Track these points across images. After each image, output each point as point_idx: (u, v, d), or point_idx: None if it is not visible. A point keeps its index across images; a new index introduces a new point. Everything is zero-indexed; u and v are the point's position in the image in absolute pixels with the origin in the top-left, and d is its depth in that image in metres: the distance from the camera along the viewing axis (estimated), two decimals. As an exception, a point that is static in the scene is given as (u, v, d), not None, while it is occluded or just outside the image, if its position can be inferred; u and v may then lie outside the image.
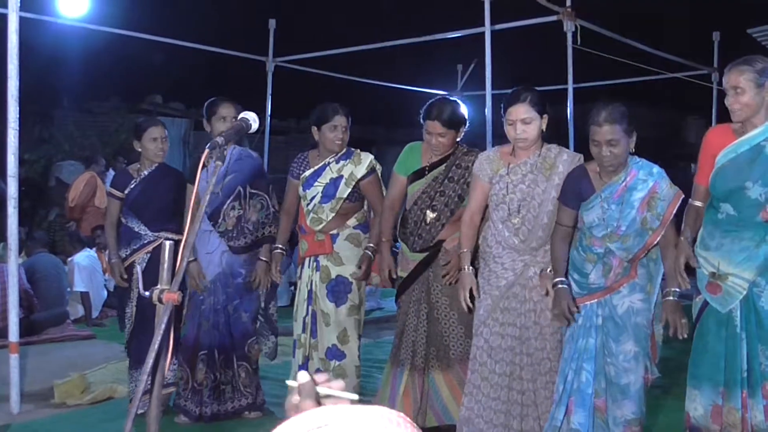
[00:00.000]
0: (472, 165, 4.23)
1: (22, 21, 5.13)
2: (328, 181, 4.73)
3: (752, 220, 3.56)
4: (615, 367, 3.75)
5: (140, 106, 15.33)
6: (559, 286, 3.78)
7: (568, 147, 6.57)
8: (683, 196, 3.75)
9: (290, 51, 9.48)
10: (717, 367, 3.63)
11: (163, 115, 14.26)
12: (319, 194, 4.74)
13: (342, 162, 4.75)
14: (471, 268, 4.06)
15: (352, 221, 4.78)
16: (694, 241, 3.76)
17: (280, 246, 4.89)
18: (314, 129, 4.78)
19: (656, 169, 3.76)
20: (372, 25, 11.50)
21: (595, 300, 3.79)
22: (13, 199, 4.96)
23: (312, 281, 4.78)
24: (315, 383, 1.25)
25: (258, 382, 4.93)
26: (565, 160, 3.98)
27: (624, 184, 3.71)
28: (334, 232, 4.75)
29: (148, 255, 4.91)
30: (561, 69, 7.85)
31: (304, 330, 4.79)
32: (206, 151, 2.59)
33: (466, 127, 4.46)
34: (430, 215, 4.44)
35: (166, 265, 2.21)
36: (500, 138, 4.16)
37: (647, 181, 3.71)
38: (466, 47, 9.97)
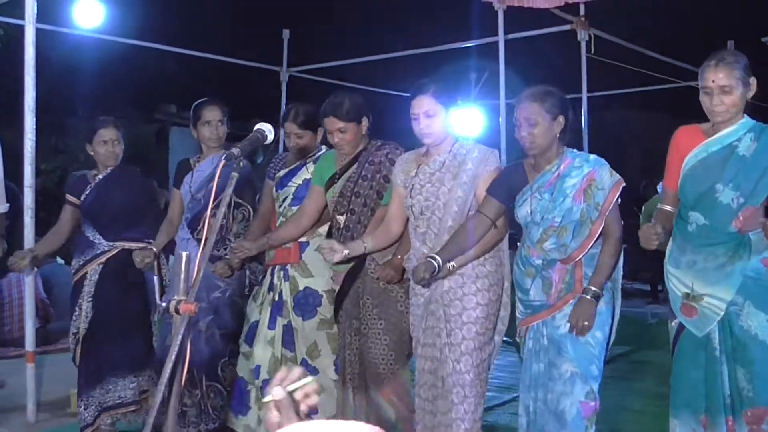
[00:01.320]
0: (386, 158, 4.04)
1: (39, 32, 5.13)
2: (301, 182, 4.38)
3: (725, 230, 3.28)
4: (552, 392, 3.43)
5: (154, 115, 15.39)
6: (428, 258, 3.45)
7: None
8: (624, 184, 3.45)
9: (304, 61, 9.50)
10: (696, 393, 3.34)
11: (177, 125, 14.33)
12: (290, 196, 4.39)
13: None
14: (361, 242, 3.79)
15: (324, 228, 4.31)
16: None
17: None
18: None
19: (593, 157, 3.50)
20: (386, 34, 11.51)
21: (541, 320, 3.51)
22: (29, 209, 4.98)
23: (281, 291, 4.36)
24: (284, 388, 1.24)
25: (229, 403, 4.59)
26: (475, 157, 3.66)
27: (557, 173, 3.44)
28: (304, 239, 4.32)
29: (101, 266, 4.51)
30: (575, 78, 7.84)
31: (249, 343, 4.39)
32: (222, 161, 2.59)
33: (370, 119, 4.13)
34: (340, 219, 4.07)
35: (182, 276, 2.20)
36: (514, 146, 4.10)
37: (582, 168, 3.43)
38: (480, 56, 9.97)
